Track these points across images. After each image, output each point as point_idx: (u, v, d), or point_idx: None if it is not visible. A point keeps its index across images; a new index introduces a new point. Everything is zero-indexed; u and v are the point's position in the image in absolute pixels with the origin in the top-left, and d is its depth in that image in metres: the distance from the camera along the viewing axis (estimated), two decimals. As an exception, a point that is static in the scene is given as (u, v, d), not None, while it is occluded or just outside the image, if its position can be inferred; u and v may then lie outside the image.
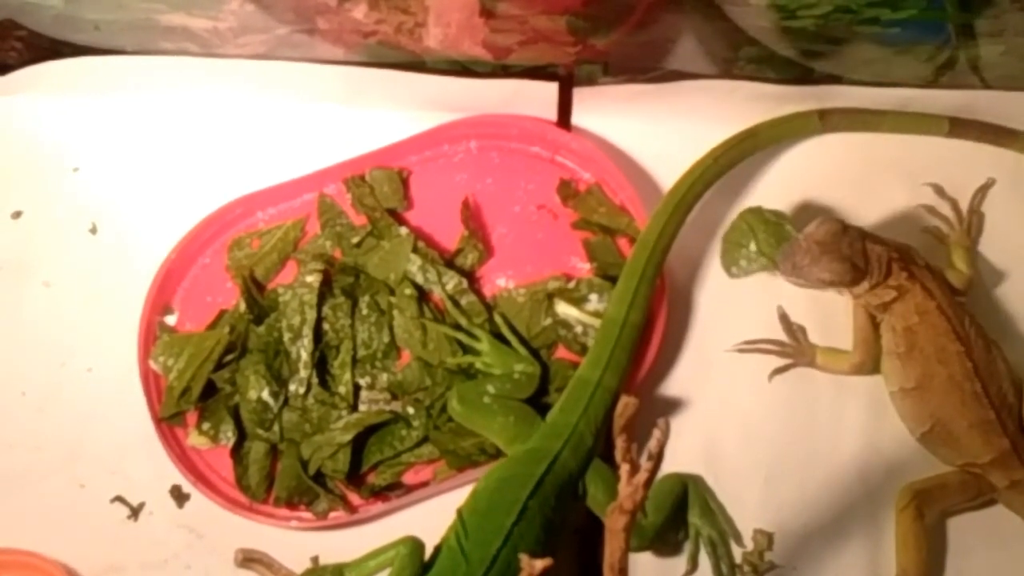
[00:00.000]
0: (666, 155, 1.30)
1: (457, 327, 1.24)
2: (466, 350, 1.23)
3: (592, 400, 1.15)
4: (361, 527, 1.20)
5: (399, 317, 1.24)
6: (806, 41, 1.26)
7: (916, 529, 1.14)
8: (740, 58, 1.30)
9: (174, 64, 1.37)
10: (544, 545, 1.07)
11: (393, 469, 1.21)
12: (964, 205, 1.28)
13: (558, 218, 1.31)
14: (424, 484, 1.20)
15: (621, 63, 1.33)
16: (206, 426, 1.22)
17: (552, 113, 1.35)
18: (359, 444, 1.20)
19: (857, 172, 1.30)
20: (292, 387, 1.22)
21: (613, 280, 1.22)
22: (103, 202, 1.35)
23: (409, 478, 1.22)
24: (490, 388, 1.19)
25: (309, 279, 1.25)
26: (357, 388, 1.23)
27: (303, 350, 1.23)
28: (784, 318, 1.24)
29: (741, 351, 1.24)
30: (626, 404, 0.93)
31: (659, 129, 1.33)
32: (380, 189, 1.31)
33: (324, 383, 1.23)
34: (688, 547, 1.18)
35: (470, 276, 1.27)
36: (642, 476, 0.91)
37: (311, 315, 1.24)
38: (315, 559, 1.18)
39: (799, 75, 1.31)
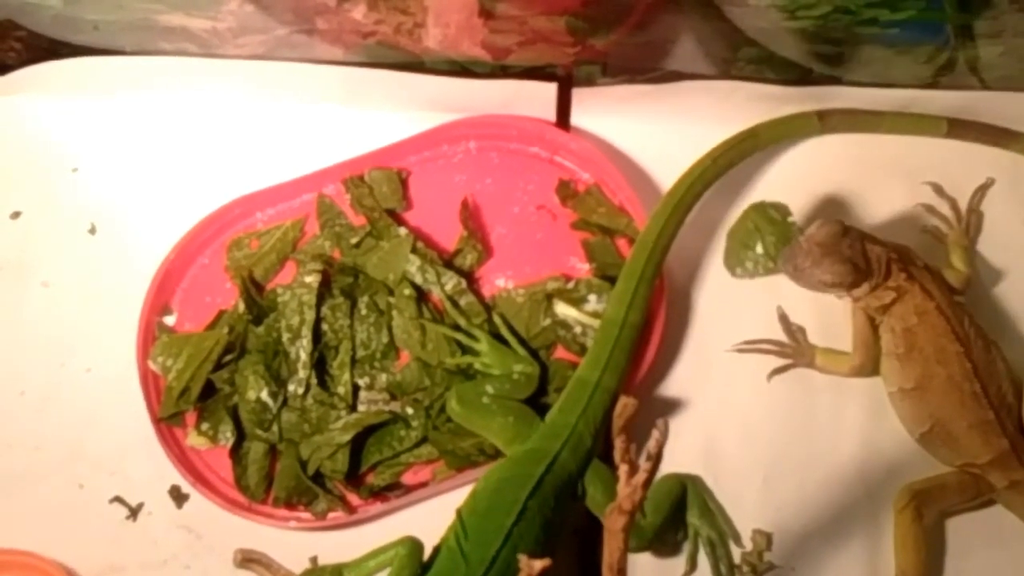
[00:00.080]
0: (665, 156, 1.30)
1: (456, 327, 1.24)
2: (465, 350, 1.23)
3: (591, 401, 1.15)
4: (360, 527, 1.20)
5: (398, 317, 1.24)
6: (805, 42, 1.26)
7: (915, 529, 1.14)
8: (739, 59, 1.30)
9: (173, 64, 1.37)
10: (543, 545, 1.08)
11: (392, 469, 1.21)
12: (963, 205, 1.28)
13: (557, 218, 1.31)
14: (423, 484, 1.20)
15: (620, 64, 1.33)
16: (205, 426, 1.22)
17: (551, 114, 1.35)
18: (358, 444, 1.20)
19: (856, 173, 1.31)
20: (291, 387, 1.22)
21: (612, 280, 1.22)
22: (102, 202, 1.35)
23: (408, 478, 1.22)
24: (489, 388, 1.19)
25: (308, 279, 1.25)
26: (356, 388, 1.23)
27: (302, 350, 1.23)
28: (784, 319, 1.25)
29: (740, 351, 1.24)
30: (625, 404, 0.93)
31: (658, 130, 1.33)
32: (379, 189, 1.31)
33: (323, 383, 1.23)
34: (687, 547, 1.18)
35: (469, 276, 1.27)
36: (641, 476, 0.91)
37: (310, 315, 1.24)
38: (314, 559, 1.18)
39: (798, 76, 1.31)
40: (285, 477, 1.20)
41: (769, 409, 1.23)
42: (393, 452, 1.21)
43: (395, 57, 1.34)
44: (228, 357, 1.24)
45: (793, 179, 1.30)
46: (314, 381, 1.22)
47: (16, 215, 1.35)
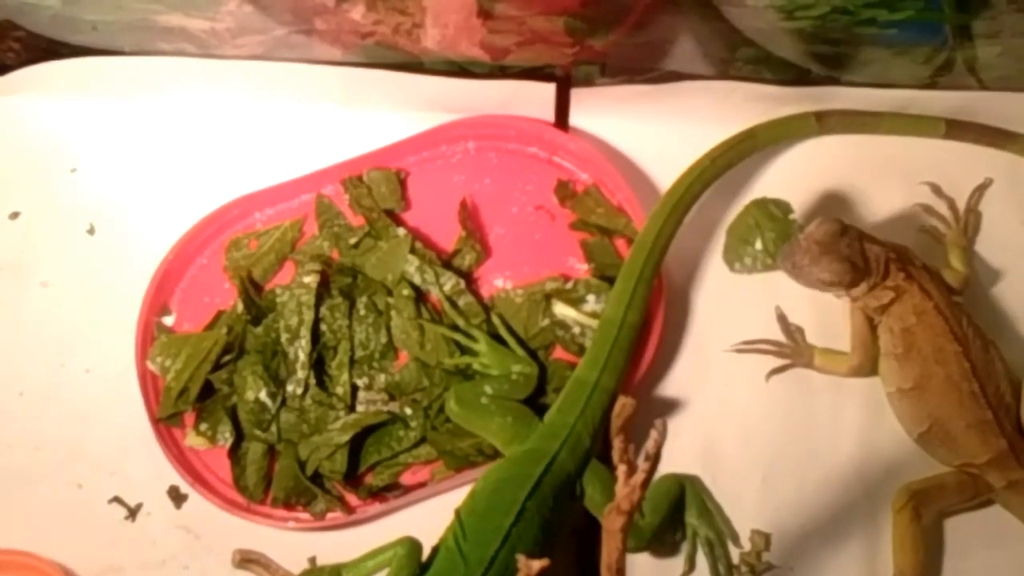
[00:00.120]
0: (664, 156, 1.30)
1: (455, 328, 1.24)
2: (464, 351, 1.23)
3: (590, 401, 1.15)
4: (359, 528, 1.20)
5: (397, 318, 1.24)
6: (803, 42, 1.26)
7: (913, 529, 1.14)
8: (738, 59, 1.30)
9: (172, 65, 1.37)
10: (542, 546, 1.08)
11: (391, 470, 1.21)
12: (961, 205, 1.28)
13: (556, 219, 1.31)
14: (422, 485, 1.20)
15: (619, 64, 1.33)
16: (204, 427, 1.22)
17: (550, 114, 1.35)
18: (357, 445, 1.20)
19: (854, 173, 1.31)
20: (290, 388, 1.22)
21: (611, 281, 1.22)
22: (101, 202, 1.35)
23: (407, 479, 1.22)
24: (488, 389, 1.19)
25: (307, 280, 1.25)
26: (355, 389, 1.23)
27: (301, 351, 1.23)
28: (782, 319, 1.25)
29: (739, 352, 1.24)
30: (623, 405, 0.93)
31: (657, 130, 1.33)
32: (378, 190, 1.31)
33: (322, 384, 1.23)
34: (685, 548, 1.18)
35: (468, 277, 1.28)
36: (639, 477, 0.91)
37: (309, 316, 1.24)
38: (312, 560, 1.18)
39: (796, 76, 1.31)
40: (284, 477, 1.20)
41: (767, 409, 1.23)
42: (392, 452, 1.21)
43: (394, 57, 1.34)
44: (227, 357, 1.24)
45: (791, 179, 1.30)
46: (313, 381, 1.22)
47: (15, 215, 1.35)
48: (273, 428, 1.21)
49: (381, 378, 1.24)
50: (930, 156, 1.30)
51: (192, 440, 1.22)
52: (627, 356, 1.18)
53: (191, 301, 1.29)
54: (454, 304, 1.25)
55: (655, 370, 1.23)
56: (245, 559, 1.15)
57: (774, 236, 1.25)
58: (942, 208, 1.28)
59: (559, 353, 1.24)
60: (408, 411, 1.22)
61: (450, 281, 1.25)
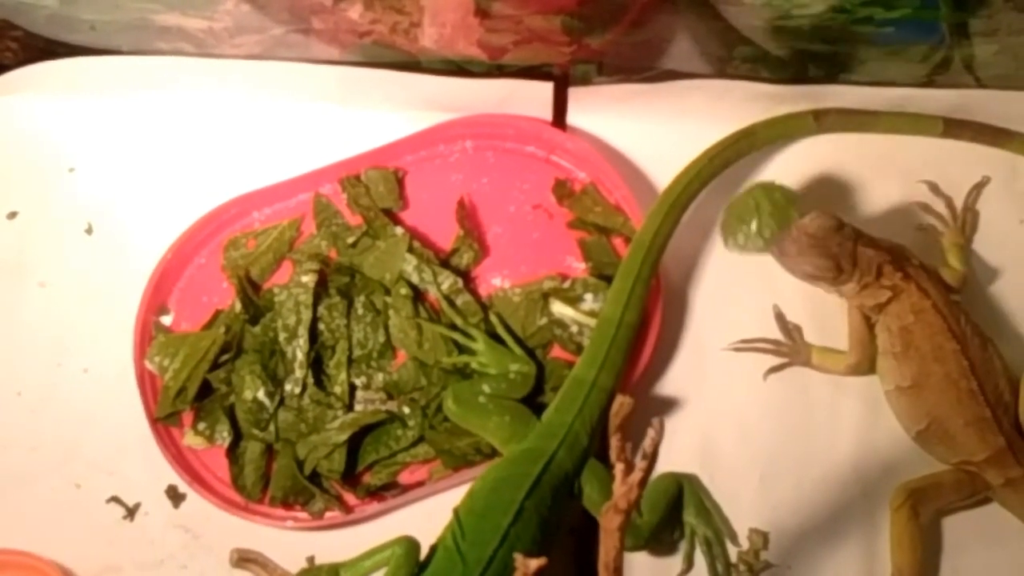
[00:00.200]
0: (661, 155, 1.30)
1: (453, 327, 1.24)
2: (462, 350, 1.23)
3: (587, 400, 1.15)
4: (357, 527, 1.20)
5: (395, 317, 1.24)
6: (801, 41, 1.26)
7: (911, 528, 1.14)
8: (735, 58, 1.30)
9: (170, 64, 1.37)
10: (540, 545, 1.08)
11: (389, 469, 1.21)
12: (958, 204, 1.28)
13: (553, 218, 1.31)
14: (420, 484, 1.20)
15: (616, 63, 1.33)
16: (202, 426, 1.22)
17: (547, 113, 1.35)
18: (355, 444, 1.20)
19: (852, 172, 1.31)
20: (288, 387, 1.22)
21: (608, 280, 1.22)
22: (99, 202, 1.35)
23: (405, 478, 1.22)
24: (486, 388, 1.19)
25: (305, 279, 1.25)
26: (353, 388, 1.23)
27: (299, 350, 1.23)
28: (780, 317, 1.25)
29: (737, 350, 1.24)
30: (621, 403, 0.93)
31: (654, 129, 1.33)
32: (376, 189, 1.31)
33: (320, 383, 1.23)
34: (683, 546, 1.18)
35: (465, 276, 1.28)
36: (637, 475, 0.91)
37: (307, 315, 1.24)
38: (311, 559, 1.17)
39: (794, 75, 1.31)
40: (282, 477, 1.20)
41: (765, 408, 1.23)
42: (390, 452, 1.21)
43: (391, 56, 1.34)
44: (225, 357, 1.24)
45: (789, 178, 1.30)
46: (311, 381, 1.22)
47: (13, 215, 1.35)
48: (271, 427, 1.21)
49: (379, 377, 1.24)
50: (928, 154, 1.31)
51: (190, 439, 1.22)
52: (625, 355, 1.19)
53: (189, 300, 1.29)
54: (452, 303, 1.25)
55: (653, 369, 1.23)
56: (243, 558, 1.15)
57: (771, 221, 1.24)
58: (940, 206, 1.28)
59: (557, 352, 1.24)
60: (406, 410, 1.22)
61: (448, 280, 1.25)
